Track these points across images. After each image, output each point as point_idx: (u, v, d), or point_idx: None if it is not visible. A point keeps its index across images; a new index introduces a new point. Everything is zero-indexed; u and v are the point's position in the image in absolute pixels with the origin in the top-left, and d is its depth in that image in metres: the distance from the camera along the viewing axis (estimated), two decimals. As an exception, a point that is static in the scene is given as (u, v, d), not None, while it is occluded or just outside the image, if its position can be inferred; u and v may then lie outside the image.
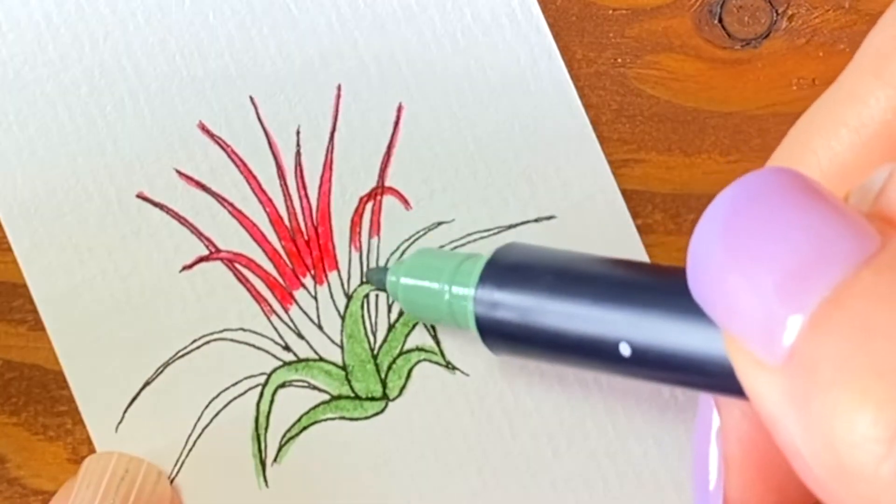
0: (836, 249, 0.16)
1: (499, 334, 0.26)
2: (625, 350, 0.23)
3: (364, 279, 0.30)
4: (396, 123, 0.31)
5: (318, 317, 0.30)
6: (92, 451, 0.30)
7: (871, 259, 0.16)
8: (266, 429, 0.30)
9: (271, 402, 0.30)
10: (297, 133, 0.31)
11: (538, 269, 0.26)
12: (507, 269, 0.26)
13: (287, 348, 0.30)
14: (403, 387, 0.30)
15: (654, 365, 0.23)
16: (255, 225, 0.31)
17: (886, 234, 0.17)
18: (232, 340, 0.30)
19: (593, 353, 0.24)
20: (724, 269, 0.17)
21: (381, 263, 0.30)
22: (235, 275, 0.30)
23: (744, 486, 0.23)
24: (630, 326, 0.23)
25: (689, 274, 0.18)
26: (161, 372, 0.30)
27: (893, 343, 0.15)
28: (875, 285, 0.16)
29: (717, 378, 0.21)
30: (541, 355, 0.27)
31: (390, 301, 0.30)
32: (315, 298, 0.30)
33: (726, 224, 0.17)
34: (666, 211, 0.30)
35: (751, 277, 0.17)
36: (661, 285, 0.23)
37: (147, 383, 0.30)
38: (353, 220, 0.31)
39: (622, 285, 0.24)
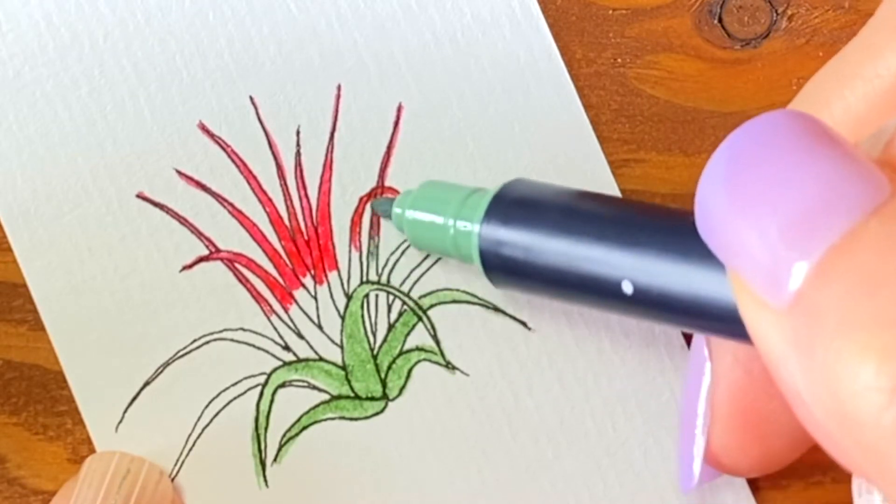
0: (844, 196, 0.16)
1: (502, 269, 0.26)
2: (627, 288, 0.23)
3: (372, 208, 0.30)
4: (396, 123, 0.31)
5: (318, 317, 0.30)
6: (92, 451, 0.30)
7: (880, 208, 0.16)
8: (266, 429, 0.30)
9: (271, 401, 0.30)
10: (297, 133, 0.31)
11: (543, 206, 0.26)
12: (512, 205, 0.26)
13: (287, 348, 0.30)
14: (403, 387, 0.30)
15: (655, 304, 0.23)
16: (255, 225, 0.31)
17: None
18: (232, 340, 0.30)
19: (596, 290, 0.24)
20: (731, 210, 0.17)
21: (381, 264, 0.30)
22: (235, 275, 0.30)
23: (728, 433, 0.23)
24: (633, 265, 0.23)
25: (696, 213, 0.18)
26: (161, 372, 0.30)
27: None
28: (882, 235, 0.16)
29: (717, 320, 0.21)
30: (543, 291, 0.26)
31: (398, 234, 0.30)
32: (315, 298, 0.30)
33: (734, 165, 0.17)
34: (666, 211, 0.30)
35: (757, 220, 0.17)
36: (667, 225, 0.23)
37: (147, 383, 0.30)
38: (353, 220, 0.31)
39: (627, 223, 0.24)
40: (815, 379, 0.16)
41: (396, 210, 0.29)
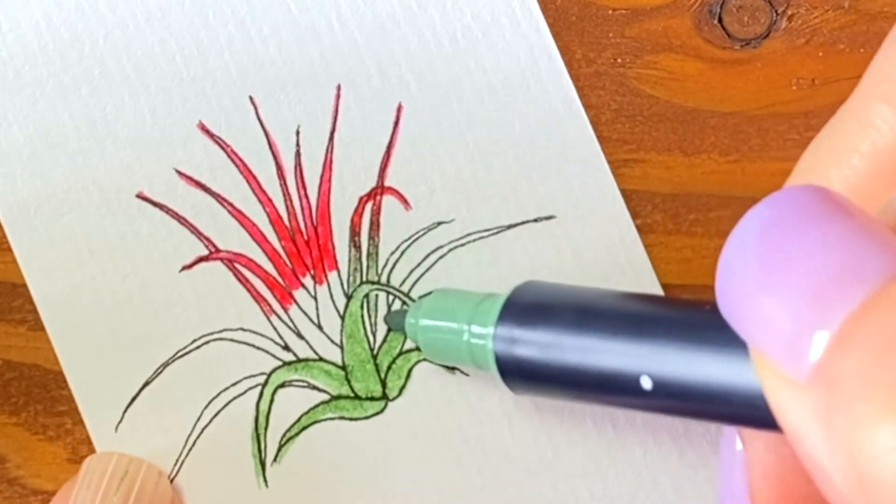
0: (863, 266, 0.16)
1: (519, 373, 0.26)
2: (646, 383, 0.23)
3: (385, 322, 0.30)
4: (396, 123, 0.31)
5: (318, 317, 0.30)
6: (92, 451, 0.30)
7: None
8: (266, 429, 0.30)
9: (271, 401, 0.30)
10: (297, 133, 0.31)
11: (556, 306, 0.26)
12: (525, 307, 0.26)
13: (287, 348, 0.30)
14: (403, 387, 0.30)
15: (675, 397, 0.23)
16: (254, 225, 0.31)
17: None
18: (232, 340, 0.30)
19: (615, 387, 0.24)
20: (753, 285, 0.17)
21: (381, 264, 0.30)
22: (235, 275, 0.30)
23: None
24: (650, 359, 0.23)
25: (717, 290, 0.18)
26: (161, 372, 0.30)
27: None
28: None
29: (740, 409, 0.21)
30: (561, 392, 0.26)
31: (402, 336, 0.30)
32: (315, 298, 0.30)
33: (756, 241, 0.17)
34: (666, 211, 0.30)
35: (779, 294, 0.17)
36: (681, 317, 0.23)
37: (147, 383, 0.30)
38: (352, 220, 0.31)
39: (640, 318, 0.24)
40: (835, 447, 0.16)
41: (410, 320, 0.29)
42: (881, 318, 0.16)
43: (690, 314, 0.23)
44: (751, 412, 0.20)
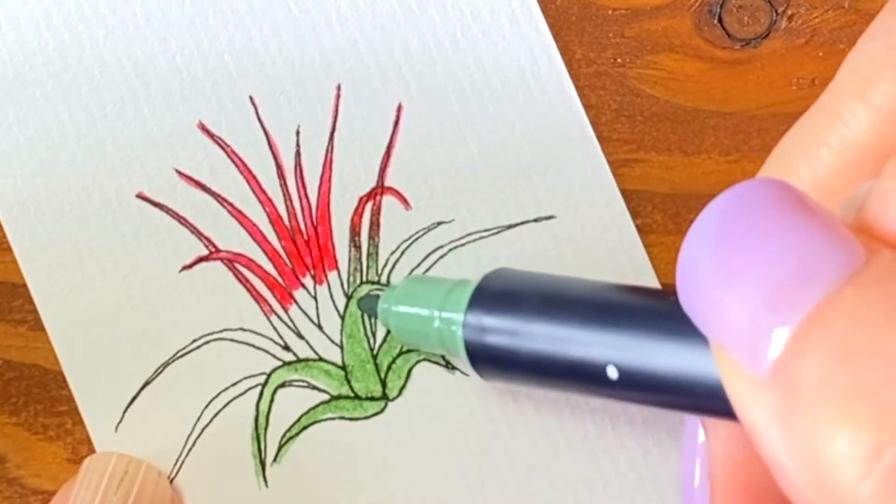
0: (822, 263, 0.16)
1: (487, 359, 0.27)
2: (612, 373, 0.23)
3: (358, 306, 0.30)
4: (396, 123, 0.31)
5: (318, 316, 0.30)
6: (92, 451, 0.30)
7: (855, 275, 0.16)
8: (266, 428, 0.30)
9: (271, 401, 0.30)
10: (297, 133, 0.31)
11: (526, 294, 0.26)
12: (495, 295, 0.26)
13: (287, 348, 0.30)
14: (403, 387, 0.30)
15: (641, 387, 0.23)
16: (254, 225, 0.31)
17: (871, 248, 0.17)
18: (232, 340, 0.30)
19: (581, 375, 0.24)
20: (714, 280, 0.17)
21: (381, 264, 0.30)
22: (235, 275, 0.30)
23: None
24: (617, 349, 0.23)
25: (678, 284, 0.18)
26: (161, 372, 0.30)
27: (873, 362, 0.15)
28: (857, 302, 0.16)
29: (703, 399, 0.21)
30: (529, 379, 0.27)
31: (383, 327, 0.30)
32: (315, 298, 0.30)
33: (716, 235, 0.17)
34: (666, 211, 0.30)
35: (739, 289, 0.17)
36: (648, 308, 0.23)
37: (147, 383, 0.30)
38: (352, 220, 0.31)
39: (609, 308, 0.24)
40: (794, 449, 0.16)
41: (382, 305, 0.29)
42: (837, 321, 0.16)
43: (657, 305, 0.23)
44: (714, 403, 0.20)
